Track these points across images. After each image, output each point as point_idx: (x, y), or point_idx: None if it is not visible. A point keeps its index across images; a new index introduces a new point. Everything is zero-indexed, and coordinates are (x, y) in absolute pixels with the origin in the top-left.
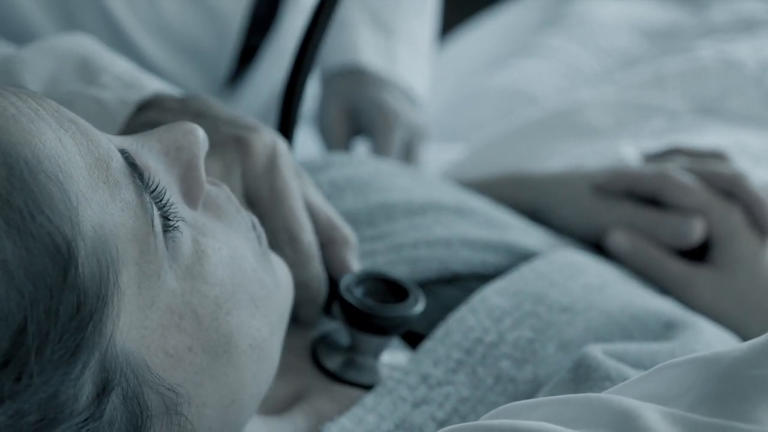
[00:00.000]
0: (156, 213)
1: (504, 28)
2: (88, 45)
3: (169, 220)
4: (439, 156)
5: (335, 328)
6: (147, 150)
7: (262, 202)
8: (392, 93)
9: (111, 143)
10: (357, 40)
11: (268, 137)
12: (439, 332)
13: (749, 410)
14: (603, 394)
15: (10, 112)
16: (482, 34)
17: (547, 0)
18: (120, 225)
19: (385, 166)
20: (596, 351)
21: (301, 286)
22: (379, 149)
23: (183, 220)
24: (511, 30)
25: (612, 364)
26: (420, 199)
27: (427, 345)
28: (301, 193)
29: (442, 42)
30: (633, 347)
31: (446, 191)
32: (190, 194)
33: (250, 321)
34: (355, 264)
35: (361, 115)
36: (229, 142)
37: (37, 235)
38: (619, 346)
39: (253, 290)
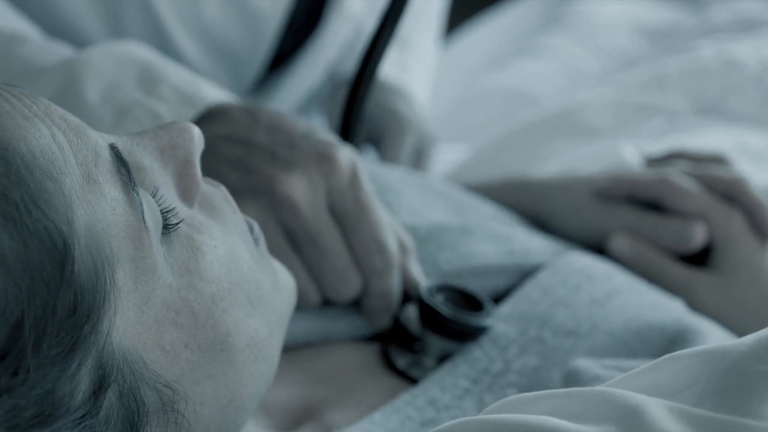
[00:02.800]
0: (146, 209)
1: (504, 28)
2: (148, 53)
3: (168, 218)
4: (439, 156)
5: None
6: (142, 148)
7: (349, 215)
8: (405, 101)
9: (102, 139)
10: None
11: (347, 152)
12: (446, 366)
13: (755, 406)
14: (607, 388)
15: (4, 108)
16: (483, 34)
17: (548, 0)
18: (112, 222)
19: (393, 177)
20: (582, 361)
21: (381, 295)
22: (390, 154)
23: (177, 217)
24: (511, 30)
25: (600, 370)
26: (424, 225)
27: (435, 375)
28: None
29: (444, 42)
30: (626, 363)
31: (450, 200)
32: (187, 192)
33: (246, 320)
34: (417, 271)
35: (373, 123)
36: (312, 159)
37: (33, 229)
38: (609, 362)
39: (250, 290)
